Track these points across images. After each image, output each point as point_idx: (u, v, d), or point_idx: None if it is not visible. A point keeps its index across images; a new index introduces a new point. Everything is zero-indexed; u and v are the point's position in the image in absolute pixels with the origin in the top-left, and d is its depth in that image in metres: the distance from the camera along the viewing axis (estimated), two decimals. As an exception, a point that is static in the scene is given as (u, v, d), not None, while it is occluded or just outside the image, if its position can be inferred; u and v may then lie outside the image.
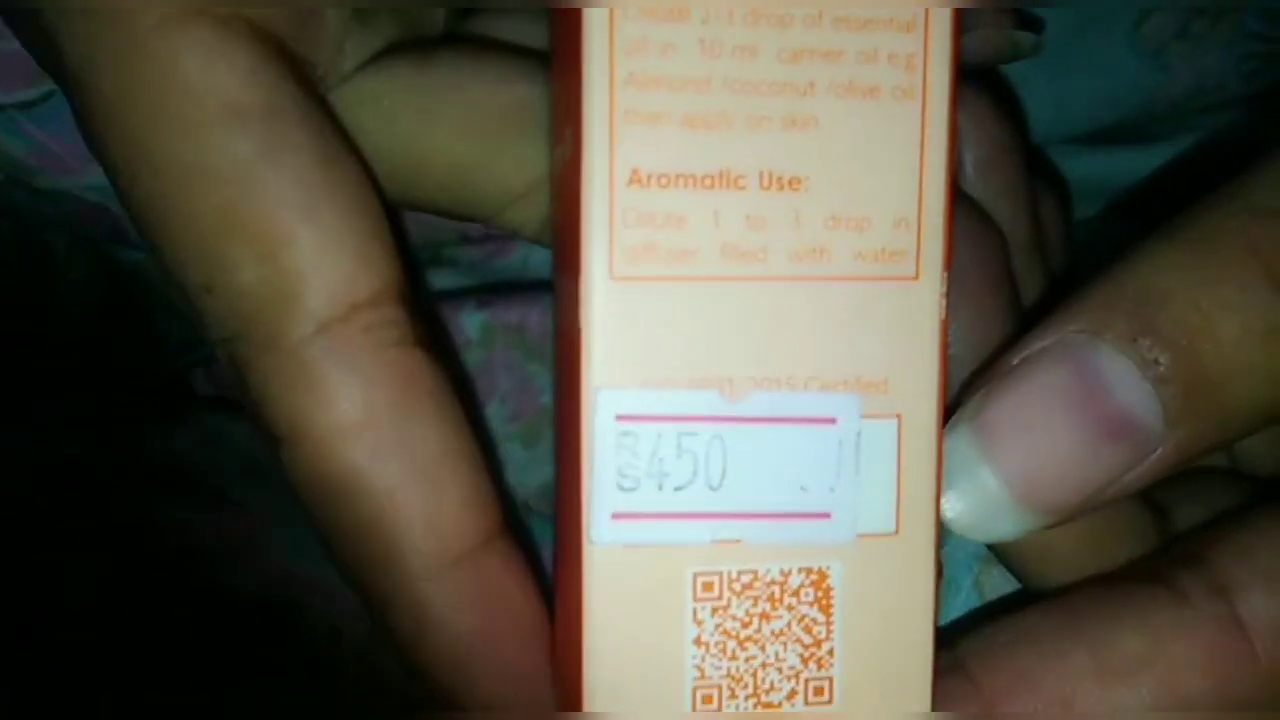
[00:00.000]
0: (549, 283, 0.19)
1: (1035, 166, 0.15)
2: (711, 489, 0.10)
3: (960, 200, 0.13)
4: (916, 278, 0.10)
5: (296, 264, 0.11)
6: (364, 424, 0.11)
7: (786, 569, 0.10)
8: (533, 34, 0.15)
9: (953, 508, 0.11)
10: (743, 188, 0.10)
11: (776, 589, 0.10)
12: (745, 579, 0.10)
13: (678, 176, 0.10)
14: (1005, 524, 0.11)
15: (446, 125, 0.13)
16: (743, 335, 0.10)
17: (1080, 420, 0.10)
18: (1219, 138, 0.20)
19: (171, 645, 0.16)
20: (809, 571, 0.10)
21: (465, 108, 0.13)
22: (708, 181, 0.10)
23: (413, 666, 0.12)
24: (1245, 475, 0.15)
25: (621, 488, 0.10)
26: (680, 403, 0.10)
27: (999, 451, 0.11)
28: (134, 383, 0.20)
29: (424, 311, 0.13)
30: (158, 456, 0.18)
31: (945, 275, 0.10)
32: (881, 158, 0.10)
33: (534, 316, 0.19)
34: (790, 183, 0.10)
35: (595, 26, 0.09)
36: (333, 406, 0.11)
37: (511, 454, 0.17)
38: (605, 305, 0.10)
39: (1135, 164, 0.20)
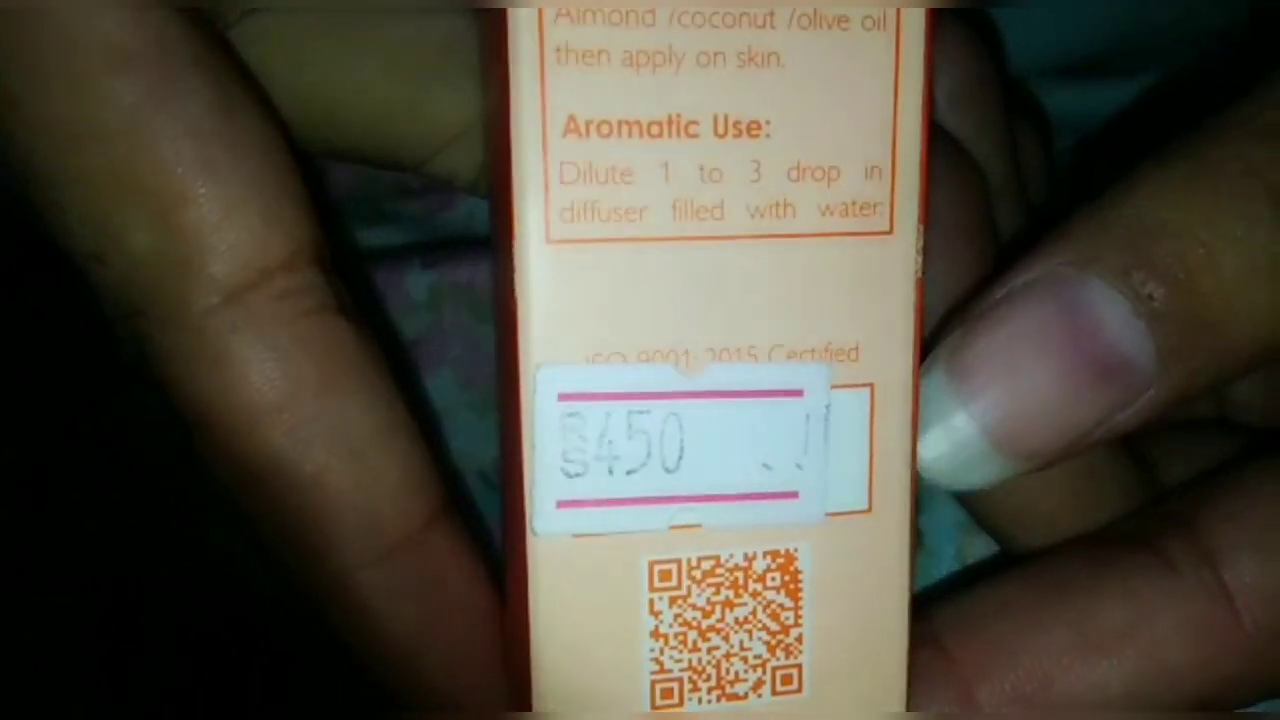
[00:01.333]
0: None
1: (1013, 98, 0.14)
2: (667, 471, 0.09)
3: (936, 138, 0.12)
4: (890, 233, 0.09)
5: (195, 225, 0.10)
6: (282, 403, 0.10)
7: (751, 553, 0.09)
8: None
9: (928, 453, 0.10)
10: (695, 135, 0.09)
11: (740, 574, 0.09)
12: (706, 565, 0.09)
13: (620, 123, 0.09)
14: (983, 470, 0.10)
15: (366, 63, 0.12)
16: (698, 302, 0.09)
17: (1066, 359, 0.10)
18: (1201, 68, 0.19)
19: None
20: (775, 555, 0.09)
21: (387, 44, 0.12)
22: (655, 129, 0.09)
23: (356, 662, 0.11)
24: (1235, 425, 0.14)
25: (567, 473, 0.09)
26: (630, 378, 0.09)
27: (978, 393, 0.10)
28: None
29: (350, 274, 0.12)
30: None
31: (921, 229, 0.09)
32: (851, 98, 0.09)
33: (484, 276, 0.18)
34: (749, 128, 0.09)
35: None
36: (245, 385, 0.10)
37: (465, 423, 0.16)
38: (542, 273, 0.09)
39: (1117, 97, 0.19)
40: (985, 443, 0.10)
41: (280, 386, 0.10)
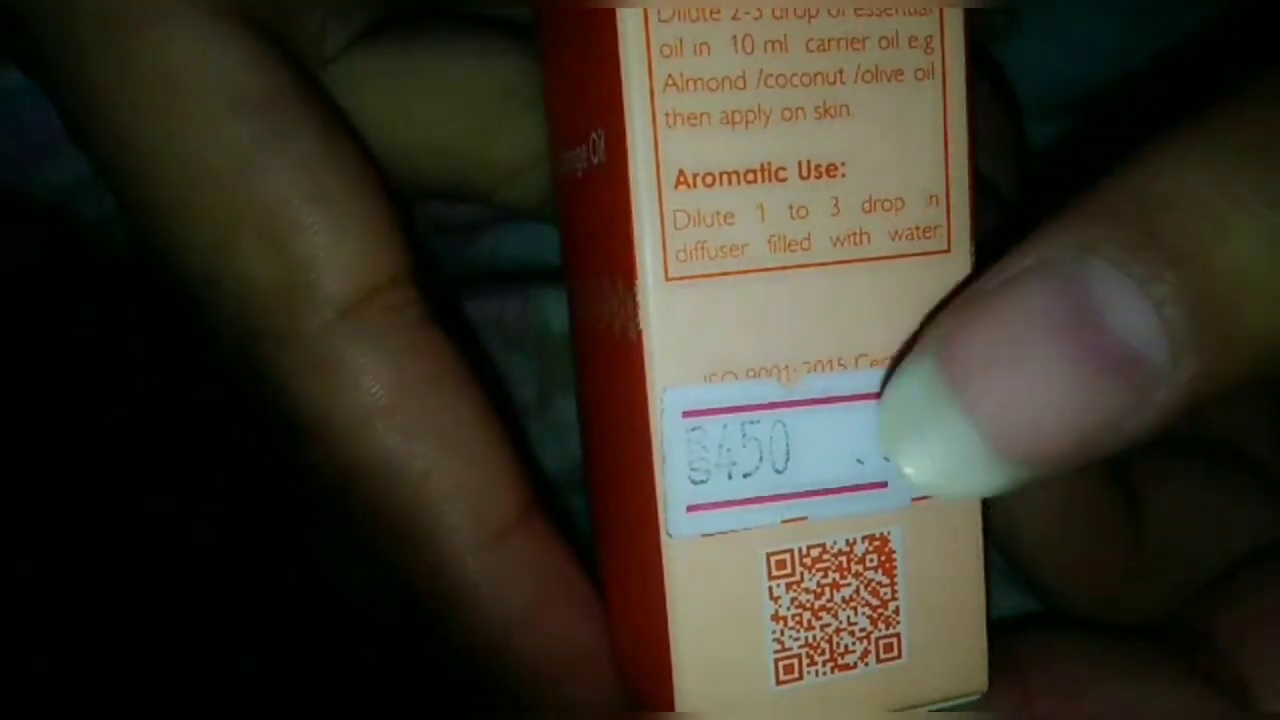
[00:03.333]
0: (523, 272, 0.19)
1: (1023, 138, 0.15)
2: (777, 472, 0.10)
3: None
4: (949, 251, 0.11)
5: (311, 250, 0.11)
6: (395, 405, 0.11)
7: (851, 539, 0.11)
8: (518, 8, 0.14)
9: (914, 460, 0.09)
10: (784, 179, 0.10)
11: (844, 559, 0.11)
12: (814, 553, 0.11)
13: (722, 174, 0.10)
14: (981, 478, 0.09)
15: (436, 106, 0.13)
16: (793, 322, 0.10)
17: (1070, 351, 0.09)
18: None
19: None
20: (872, 539, 0.11)
21: (454, 87, 0.13)
22: (750, 176, 0.10)
23: (464, 651, 0.12)
24: (1229, 450, 0.15)
25: (694, 481, 0.10)
26: (741, 393, 0.10)
27: (972, 390, 0.09)
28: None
29: (435, 292, 0.13)
30: None
31: (972, 246, 0.11)
32: (910, 138, 0.10)
33: (511, 308, 0.19)
34: (828, 170, 0.10)
35: (630, 29, 0.10)
36: (362, 390, 0.11)
37: None
38: (663, 307, 0.10)
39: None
40: (985, 447, 0.09)
41: (393, 390, 0.11)
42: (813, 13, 0.10)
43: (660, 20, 0.10)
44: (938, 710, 0.11)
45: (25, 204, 0.17)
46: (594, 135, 0.11)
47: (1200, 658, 0.12)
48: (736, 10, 0.10)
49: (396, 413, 0.11)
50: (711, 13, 0.10)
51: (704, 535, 0.10)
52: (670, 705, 0.11)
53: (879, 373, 0.11)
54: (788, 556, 0.11)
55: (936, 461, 0.09)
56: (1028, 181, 0.16)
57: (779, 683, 0.11)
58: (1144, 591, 0.14)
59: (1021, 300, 0.09)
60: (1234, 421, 0.15)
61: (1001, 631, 0.13)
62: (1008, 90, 0.16)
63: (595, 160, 0.11)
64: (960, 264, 0.11)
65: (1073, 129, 0.19)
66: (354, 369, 0.11)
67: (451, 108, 0.13)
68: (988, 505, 0.11)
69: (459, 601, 0.12)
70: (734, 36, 0.10)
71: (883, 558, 0.11)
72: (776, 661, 0.11)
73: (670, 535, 0.10)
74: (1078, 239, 0.09)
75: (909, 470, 0.10)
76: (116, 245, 0.18)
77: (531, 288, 0.18)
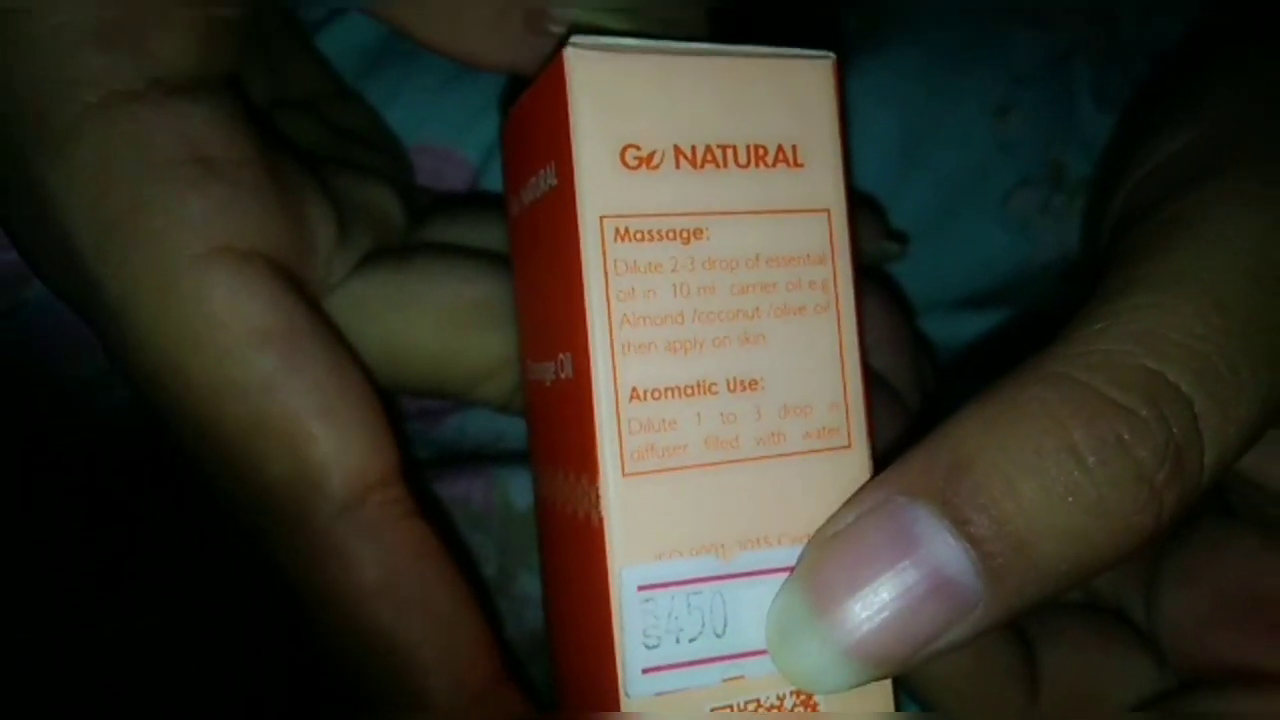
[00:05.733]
0: (486, 453, 0.21)
1: (915, 336, 0.18)
2: (717, 636, 0.12)
3: (873, 378, 0.16)
4: (849, 447, 0.13)
5: (320, 458, 0.13)
6: (388, 587, 0.13)
7: (781, 694, 0.13)
8: (487, 237, 0.17)
9: (787, 664, 0.12)
10: (715, 393, 0.13)
11: (776, 712, 0.13)
12: (751, 707, 0.12)
13: (666, 389, 0.12)
14: (839, 677, 0.12)
15: (423, 321, 0.16)
16: (727, 507, 0.13)
17: (902, 579, 0.11)
18: (1047, 308, 0.22)
19: None
20: (798, 694, 0.13)
21: (439, 305, 0.16)
22: (689, 391, 0.12)
23: None
24: (1113, 612, 0.17)
25: (647, 646, 0.12)
26: (686, 569, 0.12)
27: (830, 609, 0.11)
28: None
29: (419, 484, 0.15)
30: None
31: (870, 442, 0.13)
32: (814, 358, 0.13)
33: (477, 490, 0.21)
34: (750, 384, 0.13)
35: (594, 282, 0.12)
36: (360, 574, 0.13)
37: None
38: (620, 498, 0.12)
39: (1009, 325, 0.22)
40: (838, 653, 0.11)
41: (385, 573, 0.13)
42: (734, 265, 0.13)
43: (616, 274, 0.12)
44: None
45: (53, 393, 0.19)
46: (562, 356, 0.13)
47: None
48: (675, 264, 0.12)
49: (389, 593, 0.13)
50: (656, 267, 0.12)
51: (657, 694, 0.12)
52: None
53: (797, 549, 0.13)
54: (728, 711, 0.12)
55: (803, 665, 0.12)
56: (923, 373, 0.19)
57: (725, 827, 0.12)
58: None
59: (866, 536, 0.12)
60: (1118, 588, 0.17)
61: None
62: (900, 301, 0.19)
63: (563, 375, 0.13)
64: (860, 457, 0.13)
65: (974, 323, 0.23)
66: (354, 556, 0.13)
67: (435, 322, 0.16)
68: None
69: None
70: (674, 284, 0.12)
71: (809, 710, 0.13)
72: (721, 809, 0.12)
73: (628, 695, 0.12)
74: (908, 489, 0.12)
75: (785, 672, 0.12)
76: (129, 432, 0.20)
77: (495, 468, 0.20)
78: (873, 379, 0.17)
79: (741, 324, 0.13)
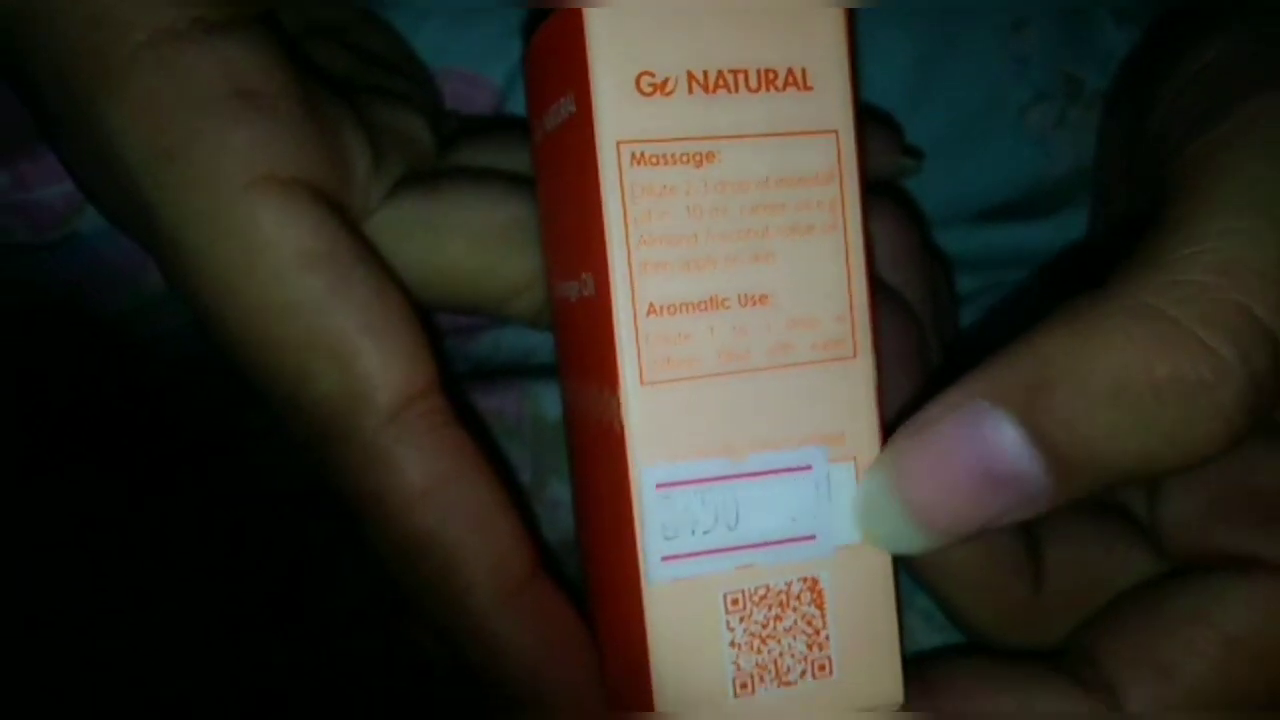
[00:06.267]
0: (518, 368, 0.22)
1: (932, 253, 0.19)
2: (729, 529, 0.14)
3: (885, 292, 0.17)
4: (854, 357, 0.14)
5: (366, 372, 0.14)
6: (431, 490, 0.14)
7: (789, 580, 0.14)
8: (514, 161, 0.18)
9: (872, 533, 0.14)
10: (727, 308, 0.14)
11: (784, 596, 0.14)
12: (761, 592, 0.14)
13: (681, 305, 0.13)
14: (910, 544, 0.13)
15: (456, 242, 0.17)
16: (739, 413, 0.14)
17: (977, 472, 0.13)
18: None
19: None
20: (805, 580, 0.14)
21: (471, 227, 0.17)
22: (702, 306, 0.13)
23: (489, 684, 0.15)
24: (1117, 510, 0.18)
25: (665, 537, 0.13)
26: (701, 469, 0.13)
27: (909, 491, 0.13)
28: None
29: (456, 397, 0.16)
30: None
31: (874, 352, 0.14)
32: (820, 274, 0.14)
33: (510, 403, 0.22)
34: (760, 299, 0.14)
35: (612, 208, 0.13)
36: (405, 478, 0.14)
37: None
38: (639, 406, 0.13)
39: (1031, 234, 0.22)
40: (914, 528, 0.13)
41: (429, 478, 0.14)
42: (745, 186, 0.13)
43: (633, 197, 0.13)
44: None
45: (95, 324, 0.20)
46: (584, 275, 0.14)
47: (1080, 671, 0.15)
48: (689, 187, 0.13)
49: (433, 495, 0.14)
50: (670, 190, 0.13)
51: (675, 580, 0.13)
52: None
53: (805, 450, 0.14)
54: (740, 595, 0.14)
55: (882, 533, 0.14)
56: (936, 286, 0.20)
57: (736, 695, 0.14)
58: (1043, 623, 0.17)
59: (949, 431, 0.13)
60: (1122, 490, 0.18)
61: (921, 661, 0.16)
62: (914, 217, 0.19)
63: (586, 293, 0.14)
64: (865, 366, 0.14)
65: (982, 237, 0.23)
66: (399, 462, 0.14)
67: (468, 243, 0.17)
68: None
69: (483, 646, 0.15)
70: (688, 206, 0.13)
71: (815, 595, 0.14)
72: (734, 680, 0.14)
73: (649, 580, 0.13)
74: (990, 395, 0.13)
75: (867, 536, 0.14)
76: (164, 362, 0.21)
77: (527, 382, 0.21)
78: (885, 292, 0.17)
79: (752, 243, 0.14)
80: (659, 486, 0.13)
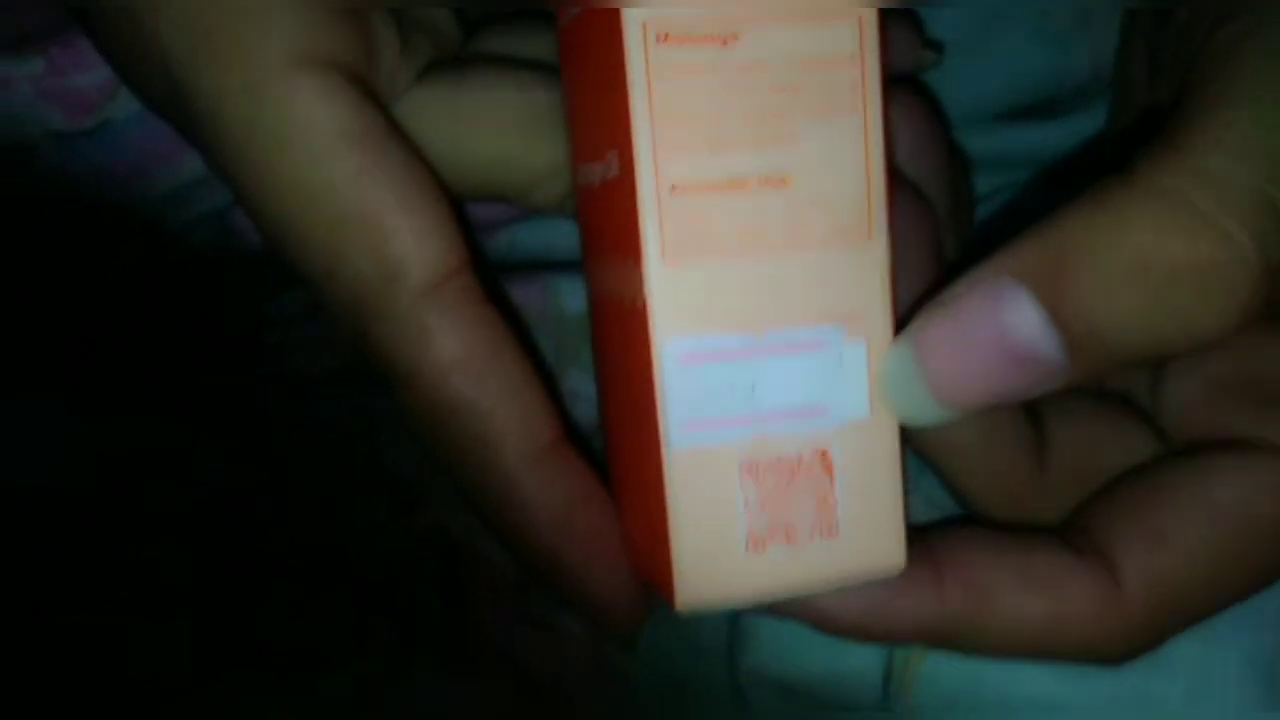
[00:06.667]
0: (537, 263, 0.23)
1: (954, 151, 0.19)
2: (746, 401, 0.14)
3: (903, 184, 0.17)
4: (870, 238, 0.15)
5: (401, 248, 0.15)
6: (464, 361, 0.15)
7: (800, 450, 0.15)
8: (538, 48, 0.18)
9: (895, 404, 0.14)
10: (748, 188, 0.14)
11: (795, 465, 0.15)
12: (774, 460, 0.15)
13: (704, 185, 0.14)
14: (928, 414, 0.14)
15: (482, 128, 0.17)
16: (757, 290, 0.14)
17: (997, 348, 0.13)
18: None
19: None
20: (816, 450, 0.15)
21: (496, 113, 0.17)
22: (724, 186, 0.14)
23: (517, 546, 0.16)
24: (1120, 396, 0.19)
25: (686, 406, 0.14)
26: (720, 343, 0.14)
27: (931, 364, 0.14)
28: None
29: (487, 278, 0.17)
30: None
31: (890, 235, 0.15)
32: (840, 157, 0.14)
33: (533, 295, 0.23)
34: (780, 181, 0.14)
35: (638, 91, 0.13)
36: (439, 349, 0.15)
37: None
38: (661, 282, 0.14)
39: (1048, 135, 0.22)
40: (936, 400, 0.14)
41: (464, 350, 0.15)
42: (768, 68, 0.14)
43: (658, 76, 0.13)
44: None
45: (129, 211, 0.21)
46: (609, 156, 0.14)
47: (1076, 540, 0.16)
48: (713, 67, 0.14)
49: (465, 365, 0.15)
50: (693, 69, 0.13)
51: (694, 447, 0.14)
52: (669, 571, 0.14)
53: (820, 329, 0.14)
54: (754, 463, 0.15)
55: (904, 404, 0.14)
56: (956, 181, 0.20)
57: (747, 551, 0.15)
58: (1045, 502, 0.18)
59: (973, 308, 0.14)
60: (1126, 377, 0.19)
61: (923, 531, 0.17)
62: (936, 112, 0.20)
63: (610, 174, 0.15)
64: (880, 247, 0.15)
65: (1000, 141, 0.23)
66: (433, 334, 0.15)
67: (494, 129, 0.17)
68: (904, 427, 0.15)
69: (511, 506, 0.16)
70: (711, 86, 0.14)
71: (824, 464, 0.15)
72: (747, 538, 0.15)
73: (670, 446, 0.14)
74: (1014, 273, 0.13)
75: (890, 407, 0.14)
76: (197, 246, 0.22)
77: (547, 276, 0.21)
78: (905, 185, 0.18)
79: (774, 124, 0.14)
80: (681, 359, 0.14)
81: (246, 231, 0.22)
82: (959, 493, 0.18)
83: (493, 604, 0.20)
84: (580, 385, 0.21)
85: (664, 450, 0.14)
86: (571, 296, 0.21)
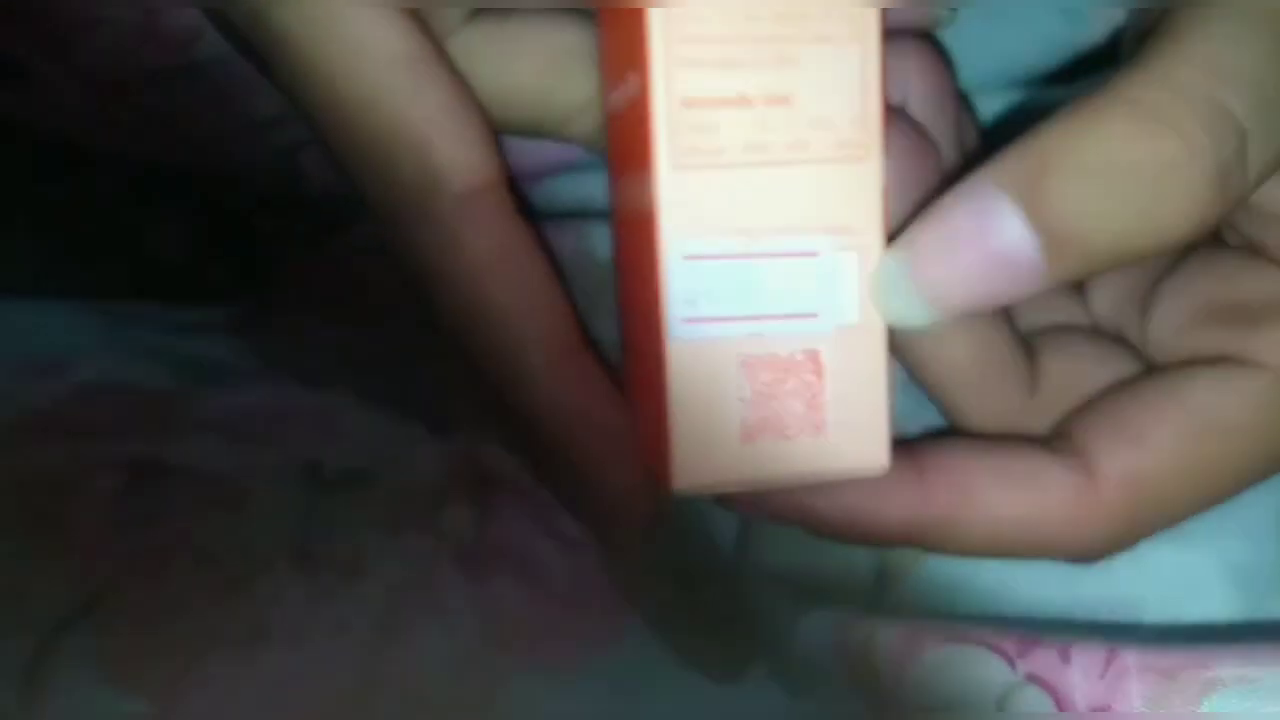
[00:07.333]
0: (575, 213, 0.24)
1: (964, 106, 0.20)
2: (744, 301, 0.16)
3: (911, 125, 0.18)
4: (865, 158, 0.16)
5: (443, 159, 0.17)
6: (495, 263, 0.17)
7: (793, 350, 0.16)
8: None
9: (885, 306, 0.15)
10: (753, 105, 0.15)
11: (788, 363, 0.16)
12: (768, 358, 0.16)
13: (712, 100, 0.15)
14: (916, 315, 0.15)
15: (524, 64, 0.19)
16: (759, 199, 0.16)
17: (980, 251, 0.14)
18: None
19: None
20: (808, 351, 0.16)
21: (536, 50, 0.19)
22: (731, 101, 0.15)
23: (540, 437, 0.17)
24: (1111, 333, 0.20)
25: (687, 301, 0.16)
26: (721, 245, 0.16)
27: (921, 267, 0.15)
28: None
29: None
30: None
31: (882, 155, 0.16)
32: (840, 81, 0.16)
33: (566, 240, 0.24)
34: (783, 99, 0.16)
35: (655, 11, 0.15)
36: (473, 252, 0.17)
37: None
38: (670, 186, 0.15)
39: (1060, 97, 0.23)
40: (920, 298, 0.15)
41: (495, 253, 0.17)
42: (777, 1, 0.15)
43: (675, 3, 0.15)
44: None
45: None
46: (630, 76, 0.16)
47: (1056, 444, 0.17)
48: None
49: (496, 268, 0.17)
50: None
51: (693, 340, 0.16)
52: (669, 456, 0.16)
53: (815, 237, 0.16)
54: (750, 359, 0.16)
55: (893, 307, 0.15)
56: (964, 133, 0.21)
57: (742, 441, 0.16)
58: (1035, 422, 0.18)
59: (958, 214, 0.15)
60: (1119, 315, 0.20)
61: (908, 440, 0.18)
62: (945, 60, 0.21)
63: (631, 93, 0.16)
64: (874, 166, 0.16)
65: (1010, 105, 0.24)
66: (468, 238, 0.17)
67: (534, 65, 0.19)
68: (892, 333, 0.16)
69: (536, 402, 0.17)
70: (722, 11, 0.15)
71: (814, 365, 0.16)
72: (741, 429, 0.16)
73: (673, 338, 0.16)
74: (996, 181, 0.14)
75: (879, 310, 0.15)
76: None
77: (581, 224, 0.23)
78: (913, 124, 0.19)
79: (779, 48, 0.15)
80: (685, 257, 0.16)
81: (313, 176, 0.24)
82: (952, 415, 0.19)
83: (516, 520, 0.21)
84: (602, 333, 0.23)
85: (665, 342, 0.16)
86: (603, 244, 0.23)
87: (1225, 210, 0.14)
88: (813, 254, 0.16)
